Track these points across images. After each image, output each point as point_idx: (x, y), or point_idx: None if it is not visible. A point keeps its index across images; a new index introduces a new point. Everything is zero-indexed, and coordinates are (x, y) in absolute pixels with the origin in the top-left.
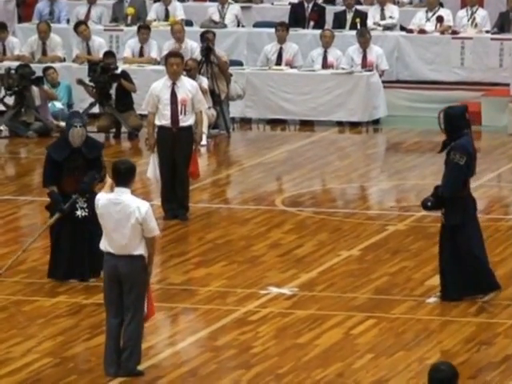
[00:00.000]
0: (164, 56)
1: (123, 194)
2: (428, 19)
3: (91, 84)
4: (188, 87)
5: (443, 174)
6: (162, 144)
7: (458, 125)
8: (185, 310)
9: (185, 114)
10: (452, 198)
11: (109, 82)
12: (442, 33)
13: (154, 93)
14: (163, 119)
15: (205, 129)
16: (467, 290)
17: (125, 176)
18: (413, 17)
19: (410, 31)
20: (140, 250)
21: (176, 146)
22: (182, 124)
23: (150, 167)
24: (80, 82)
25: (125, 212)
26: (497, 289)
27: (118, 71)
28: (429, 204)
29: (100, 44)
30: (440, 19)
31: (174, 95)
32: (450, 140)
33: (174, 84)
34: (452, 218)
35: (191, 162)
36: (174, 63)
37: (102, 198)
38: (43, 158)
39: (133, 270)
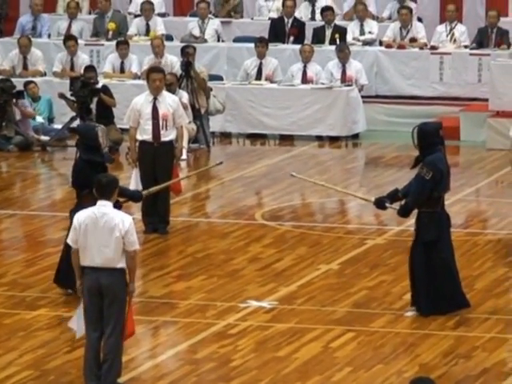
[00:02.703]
0: (145, 71)
1: (106, 207)
2: (402, 38)
3: (72, 98)
4: (169, 102)
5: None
6: (144, 158)
7: (431, 141)
8: (165, 323)
9: (166, 128)
10: (427, 214)
11: (89, 96)
12: (421, 48)
13: (135, 107)
14: (145, 134)
15: (185, 143)
16: (441, 305)
17: (107, 189)
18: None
19: (389, 46)
20: (122, 263)
21: (157, 161)
22: (164, 139)
23: (132, 181)
24: (61, 96)
25: (109, 225)
26: (467, 307)
27: (99, 85)
28: (386, 204)
29: (83, 60)
30: (413, 40)
31: (155, 110)
32: (422, 156)
33: (155, 99)
34: (427, 234)
35: (173, 177)
36: (157, 79)
37: (83, 213)
38: (24, 172)
39: (114, 283)
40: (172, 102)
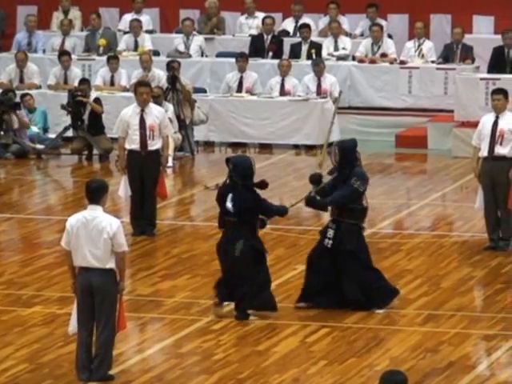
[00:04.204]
0: (133, 85)
1: (96, 211)
2: (374, 53)
3: (70, 109)
4: (156, 114)
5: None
6: (132, 166)
7: (352, 156)
8: (152, 319)
9: (153, 138)
10: (349, 225)
11: (78, 107)
12: (391, 63)
13: (124, 119)
14: (133, 143)
15: (171, 151)
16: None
17: (96, 194)
18: (364, 48)
19: (361, 61)
20: (111, 263)
21: (144, 168)
22: (150, 148)
23: (121, 187)
24: (63, 107)
25: (97, 228)
26: (397, 294)
27: (92, 98)
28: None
29: (76, 73)
30: (384, 55)
31: (142, 121)
32: (348, 170)
33: (142, 111)
34: (349, 244)
35: (159, 183)
36: (144, 92)
37: (75, 217)
38: (21, 178)
39: (104, 283)
40: (158, 114)
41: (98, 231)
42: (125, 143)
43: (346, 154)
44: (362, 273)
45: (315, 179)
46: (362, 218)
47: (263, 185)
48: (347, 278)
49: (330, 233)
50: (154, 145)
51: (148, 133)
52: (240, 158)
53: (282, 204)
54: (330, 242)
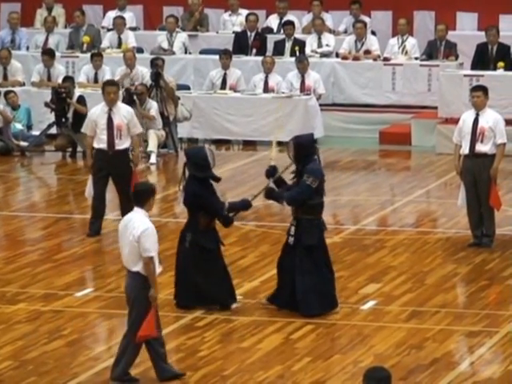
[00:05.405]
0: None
1: (135, 213)
2: (357, 50)
3: (53, 106)
4: (123, 113)
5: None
6: (99, 166)
7: (307, 152)
8: None
9: (120, 138)
10: (308, 220)
11: (61, 105)
12: (375, 59)
13: (92, 118)
14: (100, 143)
15: (154, 148)
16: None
17: (140, 197)
18: (347, 45)
19: (345, 58)
20: (137, 267)
21: (111, 168)
22: (118, 147)
23: (87, 187)
24: (47, 104)
25: (129, 229)
26: (336, 307)
27: (76, 96)
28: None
29: (60, 71)
30: (367, 52)
31: (110, 121)
32: (302, 166)
33: (110, 110)
34: (310, 239)
35: (132, 182)
36: (111, 92)
37: (125, 217)
38: (5, 175)
39: (131, 285)
40: (126, 113)
41: (129, 233)
42: (93, 142)
43: (301, 149)
44: (313, 271)
45: (270, 173)
46: (318, 213)
47: (215, 178)
48: (300, 276)
49: (292, 230)
50: (122, 144)
51: (115, 132)
52: (194, 150)
53: (243, 198)
54: (292, 238)
